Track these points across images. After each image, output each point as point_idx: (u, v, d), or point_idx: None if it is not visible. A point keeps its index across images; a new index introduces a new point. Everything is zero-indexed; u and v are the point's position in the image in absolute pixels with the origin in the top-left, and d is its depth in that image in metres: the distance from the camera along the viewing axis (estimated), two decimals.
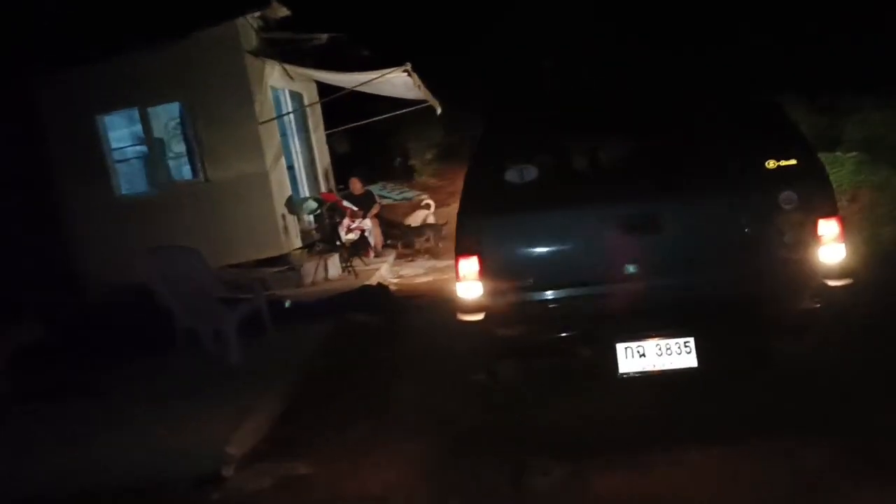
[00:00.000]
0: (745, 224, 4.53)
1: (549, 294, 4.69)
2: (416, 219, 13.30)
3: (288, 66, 10.94)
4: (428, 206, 13.50)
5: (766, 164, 4.55)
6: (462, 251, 4.77)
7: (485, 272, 4.72)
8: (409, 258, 12.37)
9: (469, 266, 4.75)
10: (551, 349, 4.77)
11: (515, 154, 4.92)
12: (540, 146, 4.99)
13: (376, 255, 11.76)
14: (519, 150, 4.97)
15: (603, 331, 4.63)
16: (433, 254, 12.37)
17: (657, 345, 4.55)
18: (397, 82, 11.05)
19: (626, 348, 4.58)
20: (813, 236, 4.42)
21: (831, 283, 4.40)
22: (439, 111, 12.04)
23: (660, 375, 4.51)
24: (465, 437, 4.73)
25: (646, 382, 4.55)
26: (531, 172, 4.82)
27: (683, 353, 4.51)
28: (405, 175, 21.62)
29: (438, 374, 5.88)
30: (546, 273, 4.72)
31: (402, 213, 14.37)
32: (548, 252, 4.73)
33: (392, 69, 10.39)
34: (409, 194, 16.59)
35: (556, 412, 4.85)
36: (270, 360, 6.64)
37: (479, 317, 4.74)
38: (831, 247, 4.41)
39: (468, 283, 4.76)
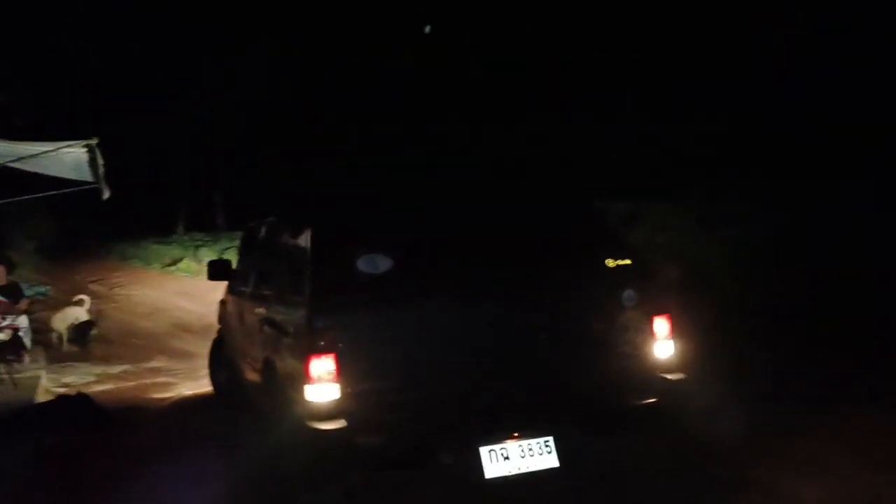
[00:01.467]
0: (591, 322, 4.68)
1: (411, 396, 4.29)
2: (64, 317, 11.42)
3: None
4: (81, 303, 11.70)
5: (606, 262, 4.79)
6: (315, 350, 4.19)
7: (342, 373, 4.18)
8: (65, 363, 10.50)
9: (323, 366, 4.18)
10: (415, 457, 4.32)
11: (360, 245, 4.52)
12: (384, 238, 4.63)
13: (31, 360, 9.78)
14: (364, 240, 4.58)
15: (466, 434, 4.36)
16: (96, 357, 10.68)
17: (520, 446, 4.40)
18: (68, 159, 9.58)
19: (489, 451, 4.34)
20: (649, 333, 4.71)
21: (668, 377, 4.70)
22: (107, 196, 10.66)
23: (527, 478, 4.35)
24: None
25: (513, 487, 4.34)
26: (385, 262, 4.45)
27: (545, 452, 4.42)
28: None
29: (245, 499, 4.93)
30: (406, 373, 4.34)
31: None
32: (407, 350, 4.35)
33: (71, 143, 9.00)
34: (42, 289, 14.29)
35: None
36: None
37: (338, 424, 4.14)
38: (665, 343, 4.73)
39: (323, 385, 4.17)
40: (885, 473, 4.59)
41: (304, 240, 4.67)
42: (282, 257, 5.17)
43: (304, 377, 4.19)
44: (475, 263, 4.64)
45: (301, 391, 4.22)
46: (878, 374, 6.34)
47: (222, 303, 7.35)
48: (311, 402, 4.17)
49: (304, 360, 4.19)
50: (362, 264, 4.42)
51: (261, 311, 5.42)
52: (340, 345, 4.19)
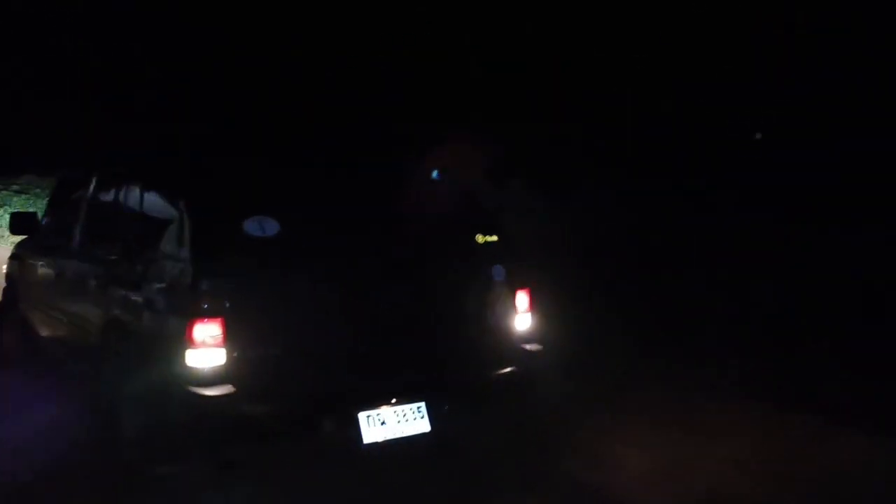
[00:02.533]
0: (462, 294, 4.84)
1: (295, 363, 4.20)
2: None
3: None
4: None
5: (476, 238, 4.98)
6: (199, 313, 3.97)
7: (229, 337, 4.00)
8: None
9: (209, 331, 3.97)
10: (300, 425, 4.23)
11: (243, 204, 4.31)
12: (267, 201, 4.43)
13: None
14: (246, 199, 4.37)
15: (345, 400, 4.36)
16: None
17: (395, 412, 4.47)
18: None
19: (367, 417, 4.38)
20: (512, 306, 4.98)
21: (527, 347, 5.01)
22: None
23: (401, 443, 4.44)
24: None
25: (390, 451, 4.42)
26: (272, 226, 4.28)
27: (418, 418, 4.53)
28: None
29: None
30: (290, 338, 4.23)
31: None
32: (290, 316, 4.25)
33: None
34: None
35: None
36: None
37: (225, 390, 3.96)
38: (525, 315, 5.03)
39: (207, 350, 3.97)
40: (697, 439, 5.28)
41: (182, 197, 4.35)
42: (140, 214, 4.75)
43: (187, 341, 3.94)
44: (355, 235, 4.63)
45: (181, 355, 3.96)
46: (688, 354, 7.17)
47: (15, 258, 6.54)
48: (194, 367, 3.94)
49: (188, 324, 3.94)
50: (247, 226, 4.22)
51: (100, 269, 4.94)
52: (227, 306, 4.01)
